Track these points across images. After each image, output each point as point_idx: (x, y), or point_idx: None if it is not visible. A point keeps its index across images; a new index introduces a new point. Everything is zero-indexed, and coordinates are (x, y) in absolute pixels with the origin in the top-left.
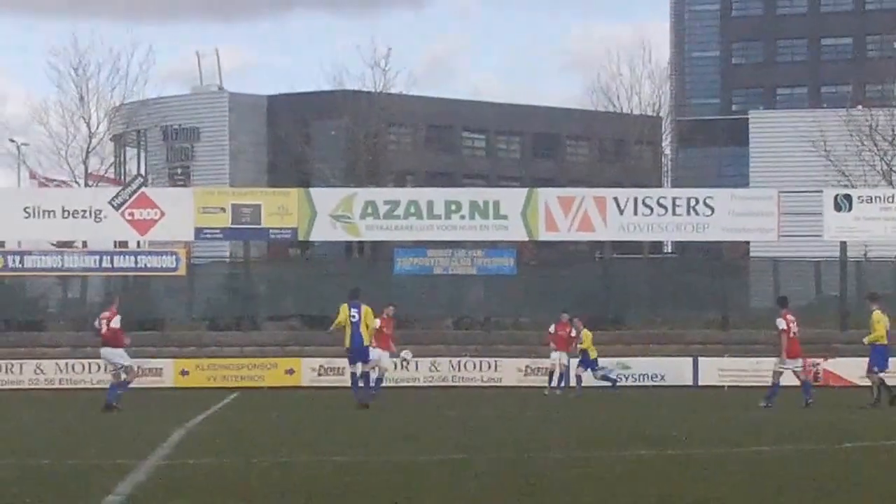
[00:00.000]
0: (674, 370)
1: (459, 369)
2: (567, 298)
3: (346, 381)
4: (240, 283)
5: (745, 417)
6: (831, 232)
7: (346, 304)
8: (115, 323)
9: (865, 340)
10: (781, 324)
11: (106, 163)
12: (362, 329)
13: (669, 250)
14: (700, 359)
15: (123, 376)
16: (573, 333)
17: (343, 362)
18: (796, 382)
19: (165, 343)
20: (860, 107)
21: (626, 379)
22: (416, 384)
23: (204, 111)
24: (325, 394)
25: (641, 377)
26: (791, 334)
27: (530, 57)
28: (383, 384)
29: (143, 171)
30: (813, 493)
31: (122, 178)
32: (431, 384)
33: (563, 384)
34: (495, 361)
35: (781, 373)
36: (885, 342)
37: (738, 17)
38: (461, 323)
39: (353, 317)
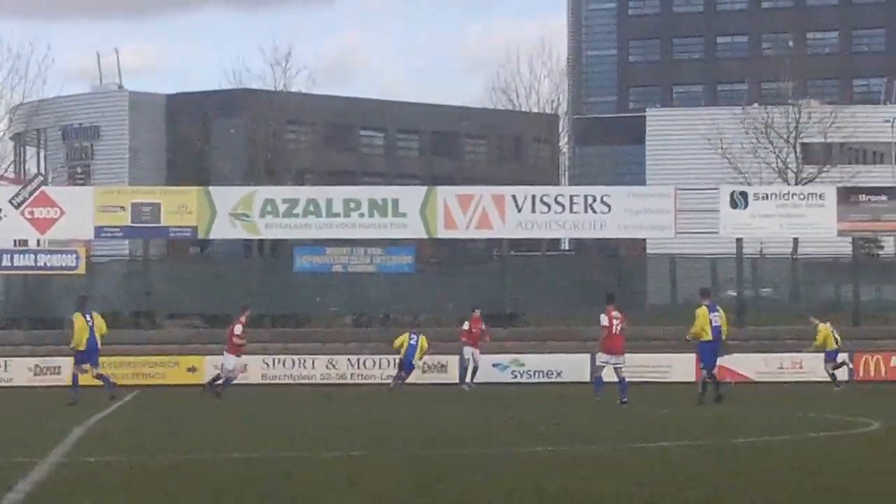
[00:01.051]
0: (570, 367)
1: (358, 367)
2: (465, 296)
3: (248, 379)
4: (139, 281)
5: (643, 414)
6: (727, 229)
7: (79, 313)
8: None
9: (688, 337)
10: (604, 320)
11: (5, 162)
12: (96, 333)
13: (567, 248)
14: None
15: None
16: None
17: (245, 359)
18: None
19: (65, 341)
20: (756, 104)
21: (522, 376)
22: (314, 381)
23: (104, 110)
24: (227, 391)
25: (537, 374)
26: (613, 330)
27: (433, 56)
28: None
29: (42, 170)
30: (675, 489)
31: (22, 176)
32: (329, 381)
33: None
34: (394, 358)
35: (603, 367)
36: (708, 338)
37: (634, 16)
38: (360, 320)
39: (88, 321)
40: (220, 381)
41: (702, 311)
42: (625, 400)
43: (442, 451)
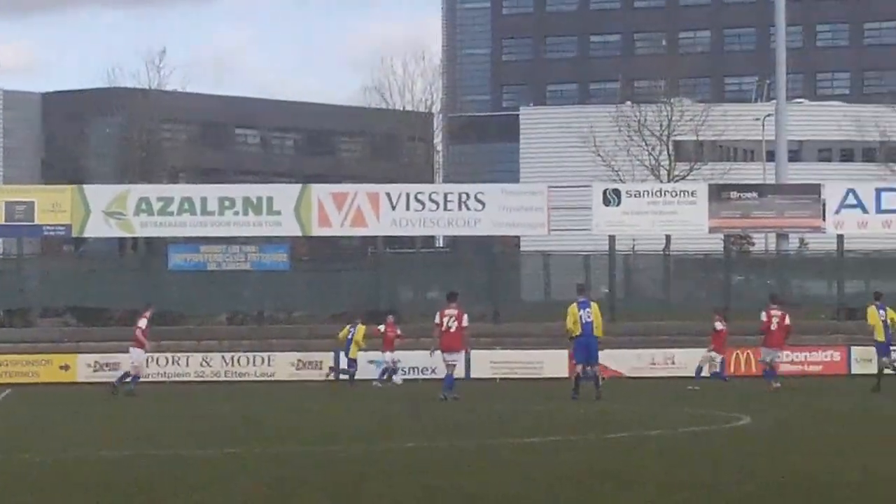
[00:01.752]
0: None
1: (233, 364)
2: (341, 293)
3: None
4: (12, 279)
5: (513, 409)
6: (600, 226)
7: None
8: None
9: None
10: (763, 316)
11: None
12: None
13: (442, 245)
14: (472, 352)
15: None
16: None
17: (118, 357)
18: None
19: None
20: (629, 103)
21: (399, 372)
22: (188, 379)
23: None
24: (101, 390)
25: (412, 370)
26: (444, 328)
27: (310, 55)
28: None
29: None
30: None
31: None
32: (203, 379)
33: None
34: (269, 356)
35: (770, 361)
36: (578, 334)
37: (508, 15)
38: (234, 318)
39: None
40: (128, 379)
41: (572, 309)
42: (452, 397)
43: (320, 447)
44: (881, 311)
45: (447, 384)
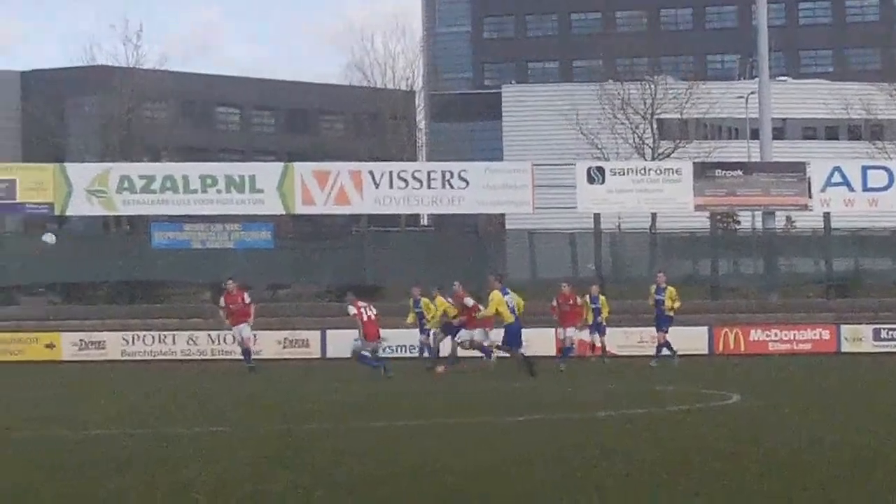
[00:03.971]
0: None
1: (218, 342)
2: (325, 272)
3: (107, 355)
4: None
5: (497, 388)
6: (585, 204)
7: None
8: None
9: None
10: (352, 310)
11: None
12: None
13: (426, 223)
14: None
15: None
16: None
17: (103, 336)
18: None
19: None
20: (612, 81)
21: (385, 350)
22: (174, 357)
23: None
24: (86, 367)
25: (399, 349)
26: (365, 318)
27: (290, 33)
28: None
29: None
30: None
31: None
32: (190, 357)
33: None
34: (254, 334)
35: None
36: (511, 320)
37: None
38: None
39: None
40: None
41: (496, 296)
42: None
43: (307, 426)
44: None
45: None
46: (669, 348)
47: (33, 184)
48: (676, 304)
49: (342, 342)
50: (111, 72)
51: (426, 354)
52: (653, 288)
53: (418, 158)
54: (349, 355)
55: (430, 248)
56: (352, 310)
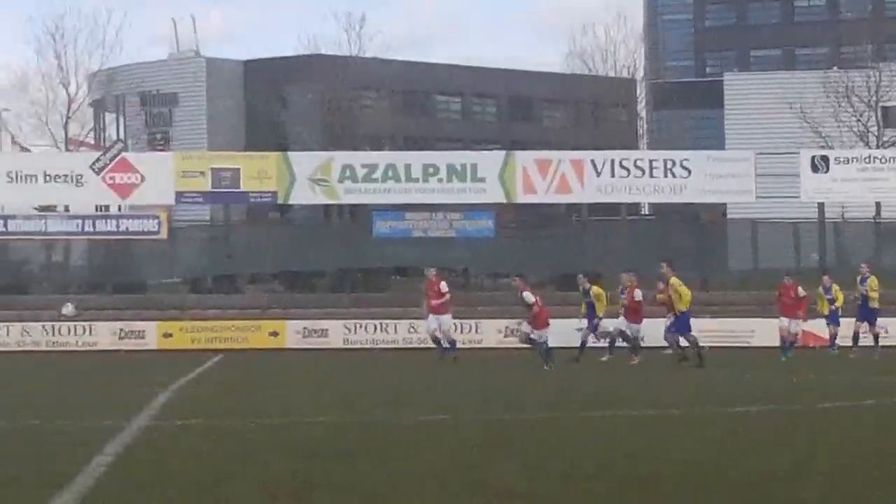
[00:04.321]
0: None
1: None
2: (545, 260)
3: (330, 343)
4: (220, 246)
5: (725, 379)
6: (809, 193)
7: None
8: None
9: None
10: (531, 297)
11: (86, 128)
12: None
13: (646, 212)
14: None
15: None
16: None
17: (325, 324)
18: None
19: (147, 306)
20: (836, 68)
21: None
22: (396, 346)
23: (181, 77)
24: (309, 356)
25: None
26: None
27: (508, 21)
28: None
29: (122, 136)
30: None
31: (102, 143)
32: (411, 346)
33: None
34: (476, 323)
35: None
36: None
37: None
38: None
39: None
40: (447, 345)
41: (676, 281)
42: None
43: (530, 415)
44: None
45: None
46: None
47: (257, 172)
48: (874, 295)
49: (564, 331)
50: (333, 61)
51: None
52: (858, 278)
53: (639, 147)
54: (523, 342)
55: (652, 238)
56: (531, 297)
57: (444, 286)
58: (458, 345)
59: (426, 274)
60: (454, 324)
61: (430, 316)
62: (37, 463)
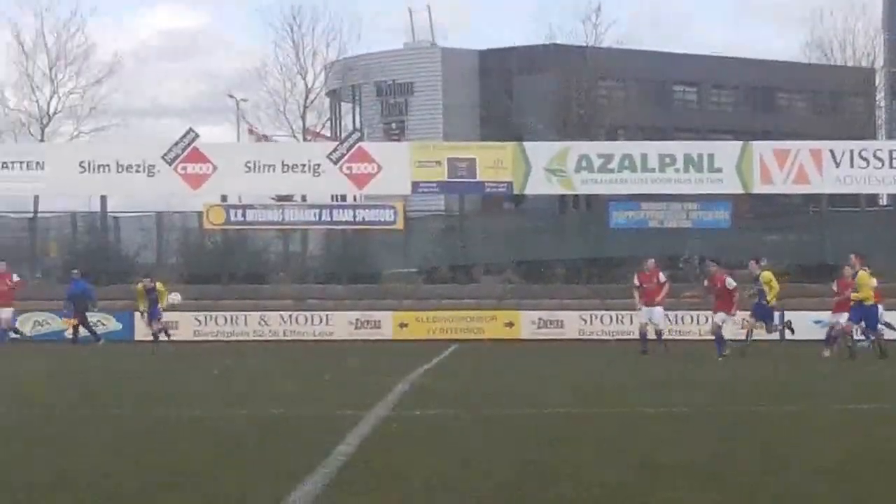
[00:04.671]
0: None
1: (675, 322)
2: (782, 251)
3: (565, 334)
4: (456, 236)
5: None
6: None
7: None
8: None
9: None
10: (732, 283)
11: (322, 118)
12: None
13: (884, 203)
14: None
15: None
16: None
17: (560, 315)
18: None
19: (383, 296)
20: None
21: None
22: (631, 337)
23: (417, 66)
24: (544, 347)
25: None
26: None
27: (746, 9)
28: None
29: (358, 126)
30: None
31: (338, 133)
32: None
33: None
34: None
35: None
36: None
37: None
38: (676, 275)
39: None
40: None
41: (864, 275)
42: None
43: (769, 406)
44: None
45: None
46: None
47: (492, 162)
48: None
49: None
50: (566, 50)
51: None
52: None
53: (877, 137)
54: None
55: (891, 229)
56: (732, 282)
57: (661, 277)
58: (701, 336)
59: (645, 265)
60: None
61: (644, 308)
62: (278, 452)
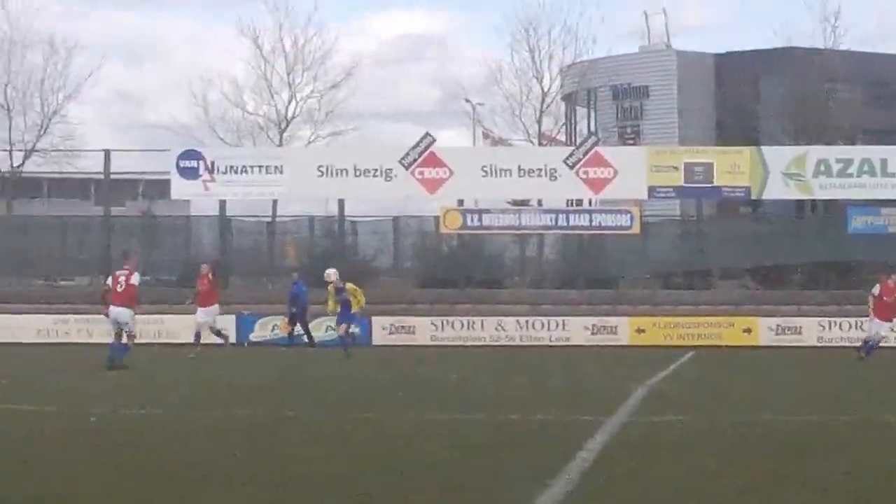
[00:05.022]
0: None
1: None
2: None
3: (804, 340)
4: (692, 241)
5: None
6: None
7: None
8: (134, 280)
9: None
10: (877, 289)
11: (558, 122)
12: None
13: None
14: None
15: (125, 340)
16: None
17: (798, 321)
18: None
19: (619, 301)
20: None
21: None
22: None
23: (652, 70)
24: (783, 353)
25: None
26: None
27: None
28: None
29: (593, 130)
30: None
31: (572, 137)
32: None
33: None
34: None
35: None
36: None
37: None
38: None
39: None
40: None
41: None
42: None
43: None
44: None
45: None
46: None
47: (729, 167)
48: None
49: None
50: (805, 53)
51: None
52: None
53: None
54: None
55: None
56: (877, 288)
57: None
58: None
59: (893, 278)
60: None
61: (876, 320)
62: (519, 457)
